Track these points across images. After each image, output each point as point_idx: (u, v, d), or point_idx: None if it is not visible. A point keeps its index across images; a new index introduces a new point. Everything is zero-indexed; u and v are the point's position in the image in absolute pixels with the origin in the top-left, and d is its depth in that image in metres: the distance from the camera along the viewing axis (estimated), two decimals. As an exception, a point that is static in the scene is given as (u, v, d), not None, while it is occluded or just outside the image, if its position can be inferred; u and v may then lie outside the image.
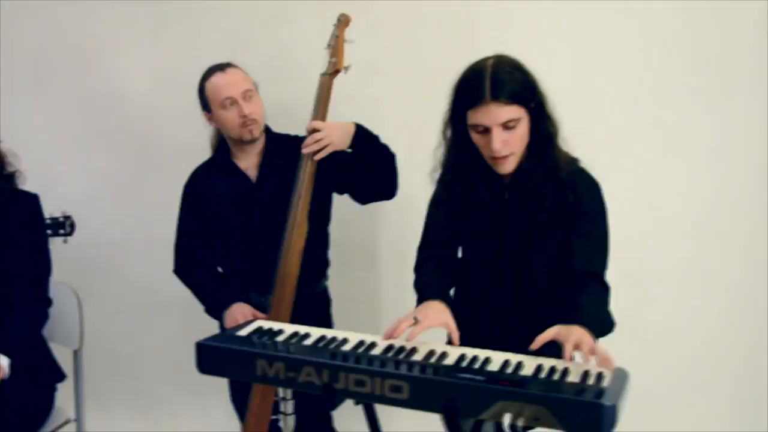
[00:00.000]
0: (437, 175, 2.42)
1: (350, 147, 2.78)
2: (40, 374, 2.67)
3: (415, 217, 2.55)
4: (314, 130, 2.74)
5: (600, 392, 1.77)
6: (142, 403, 3.84)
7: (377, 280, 3.55)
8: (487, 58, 2.21)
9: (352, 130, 2.76)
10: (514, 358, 2.01)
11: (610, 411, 1.71)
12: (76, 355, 2.88)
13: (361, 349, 2.10)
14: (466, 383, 1.84)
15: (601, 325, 2.17)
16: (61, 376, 2.75)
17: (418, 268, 2.43)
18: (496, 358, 2.02)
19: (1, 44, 3.71)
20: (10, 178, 2.55)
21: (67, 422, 2.82)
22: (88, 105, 3.71)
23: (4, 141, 2.56)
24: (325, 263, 3.04)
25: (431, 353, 2.05)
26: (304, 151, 2.75)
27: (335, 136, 2.74)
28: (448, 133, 2.32)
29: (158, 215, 3.33)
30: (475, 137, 2.21)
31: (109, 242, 3.74)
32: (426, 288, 2.32)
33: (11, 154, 2.57)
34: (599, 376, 1.88)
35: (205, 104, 2.89)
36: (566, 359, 1.93)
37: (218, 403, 3.35)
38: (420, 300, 2.29)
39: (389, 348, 2.09)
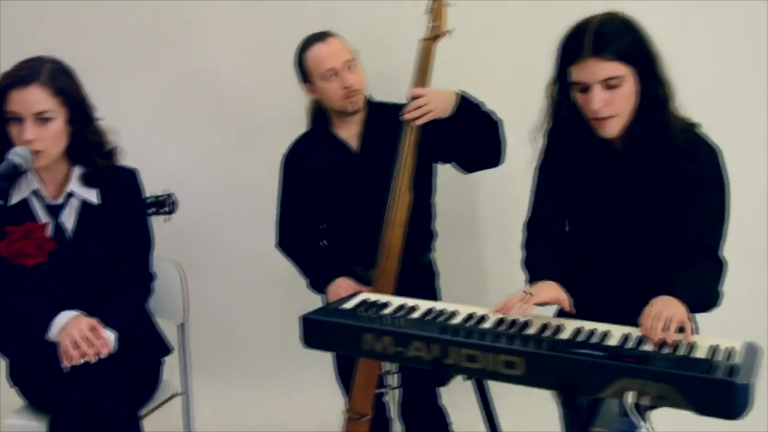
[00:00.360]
0: (540, 139, 2.32)
1: (453, 114, 2.69)
2: (147, 348, 2.67)
3: (520, 186, 2.46)
4: (416, 97, 2.66)
5: (732, 369, 1.66)
6: (247, 375, 3.83)
7: (482, 251, 3.46)
8: (595, 15, 2.10)
9: (453, 98, 2.67)
10: (634, 331, 1.91)
11: (744, 390, 1.59)
12: (182, 328, 2.88)
13: (471, 323, 2.02)
14: (585, 359, 1.75)
15: (700, 298, 2.04)
16: (167, 350, 2.75)
17: (527, 246, 2.34)
18: (615, 332, 1.92)
19: (97, 23, 3.73)
20: (110, 154, 2.55)
21: (174, 396, 2.82)
22: (185, 80, 3.71)
23: (105, 118, 2.55)
24: (429, 235, 2.96)
25: (545, 327, 1.97)
26: (405, 117, 2.68)
27: (437, 102, 2.65)
28: (553, 94, 2.22)
29: (258, 188, 3.31)
30: (577, 96, 2.11)
31: (211, 216, 3.74)
32: (537, 269, 2.23)
33: (111, 130, 2.56)
34: (729, 352, 1.75)
35: (305, 76, 2.83)
36: (647, 334, 1.85)
37: (322, 375, 3.32)
38: (531, 280, 2.20)
39: (500, 321, 2.01)
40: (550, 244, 2.29)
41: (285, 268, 3.03)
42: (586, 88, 2.06)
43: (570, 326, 1.97)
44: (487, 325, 2.00)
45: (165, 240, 2.84)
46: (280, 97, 3.35)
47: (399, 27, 3.10)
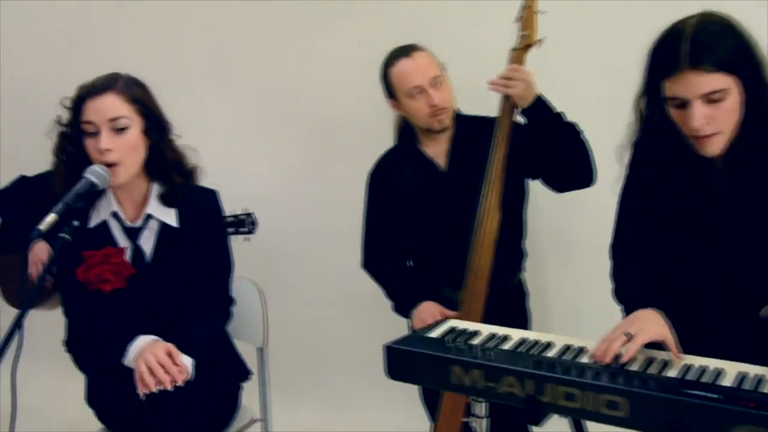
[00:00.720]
0: (628, 156, 2.08)
1: (526, 113, 2.57)
2: (225, 373, 2.59)
3: (614, 204, 2.27)
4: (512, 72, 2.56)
5: None
6: (329, 398, 3.73)
7: (575, 272, 3.27)
8: (689, 18, 1.85)
9: (535, 92, 2.55)
10: (751, 370, 1.72)
11: None
12: (261, 352, 2.79)
13: (568, 356, 1.86)
14: (699, 402, 1.57)
15: None
16: (246, 374, 2.67)
17: (617, 275, 2.13)
18: (730, 370, 1.73)
19: (180, 41, 3.70)
20: (189, 174, 2.47)
21: (253, 421, 2.73)
22: (265, 96, 3.64)
23: (183, 137, 2.48)
24: (520, 254, 2.82)
25: (650, 362, 1.80)
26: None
27: (522, 84, 2.53)
28: (642, 106, 1.98)
29: (343, 205, 3.22)
30: (673, 112, 1.86)
31: (293, 234, 3.65)
32: (632, 296, 2.01)
33: (190, 150, 2.49)
34: None
35: (390, 92, 2.73)
36: None
37: (407, 399, 3.18)
38: (627, 311, 1.99)
39: (599, 355, 1.84)
40: (641, 272, 2.06)
41: (368, 288, 2.92)
42: (683, 104, 1.82)
43: (677, 362, 1.79)
44: (585, 359, 1.85)
45: (244, 259, 2.75)
46: (365, 111, 3.25)
47: (488, 36, 2.96)
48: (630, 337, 1.79)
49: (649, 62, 1.90)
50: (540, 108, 2.54)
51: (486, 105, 2.70)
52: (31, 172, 2.80)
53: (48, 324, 2.83)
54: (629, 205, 2.13)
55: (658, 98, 1.89)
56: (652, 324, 1.85)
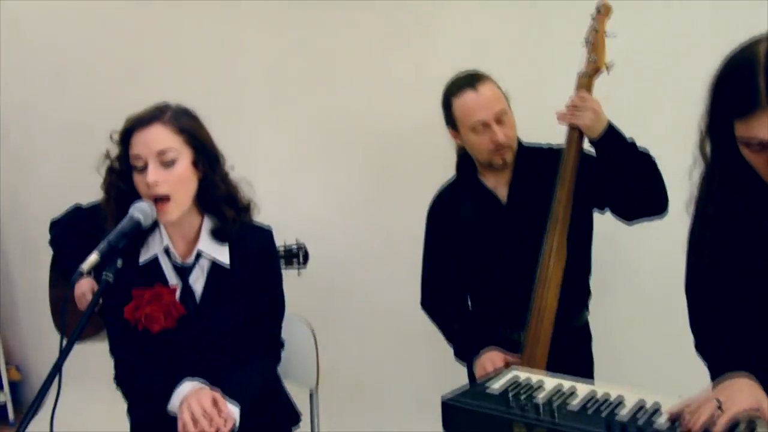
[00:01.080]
0: (694, 203, 1.83)
1: (596, 145, 2.40)
2: (274, 417, 2.46)
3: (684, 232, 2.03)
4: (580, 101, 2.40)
5: None
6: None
7: (643, 311, 3.04)
8: (757, 42, 1.58)
9: (605, 120, 2.37)
10: None
11: None
12: (312, 395, 2.67)
13: (642, 417, 1.71)
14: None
15: None
16: (297, 418, 2.54)
17: (697, 325, 1.90)
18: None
19: (234, 68, 3.63)
20: (244, 209, 2.36)
21: (303, 466, 2.61)
22: (324, 124, 3.55)
23: (238, 167, 2.37)
24: (586, 292, 2.66)
25: (736, 425, 1.62)
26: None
27: (590, 113, 2.37)
28: (707, 148, 1.73)
29: (401, 236, 3.11)
30: (749, 155, 1.62)
31: (349, 267, 3.52)
32: (717, 354, 1.79)
33: (245, 183, 2.38)
34: None
35: (451, 121, 2.59)
36: None
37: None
38: (714, 372, 1.77)
39: (676, 418, 1.68)
40: (727, 324, 1.81)
41: (427, 326, 2.77)
42: (763, 146, 1.58)
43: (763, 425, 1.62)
44: (662, 419, 1.69)
45: (296, 293, 2.61)
46: (424, 137, 3.11)
47: (553, 59, 2.83)
48: (720, 406, 1.61)
49: (715, 98, 1.65)
50: (611, 138, 2.37)
51: (551, 134, 2.55)
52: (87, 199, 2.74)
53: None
54: (698, 255, 1.85)
55: (727, 138, 1.65)
56: (746, 394, 1.65)
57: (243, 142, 2.73)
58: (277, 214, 2.53)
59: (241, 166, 2.40)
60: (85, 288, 2.68)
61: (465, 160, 2.68)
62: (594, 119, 2.36)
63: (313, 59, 3.50)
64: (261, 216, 2.44)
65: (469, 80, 2.54)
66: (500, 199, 2.60)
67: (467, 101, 2.51)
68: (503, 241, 2.57)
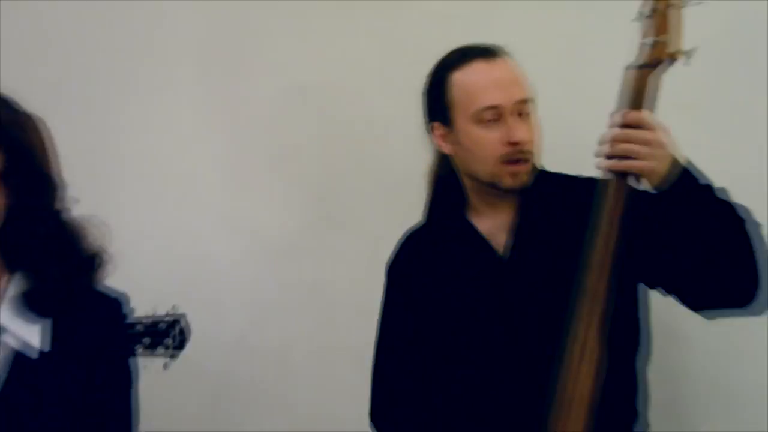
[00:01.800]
0: None
1: (660, 193, 1.54)
2: None
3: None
4: (630, 125, 1.52)
5: None
6: None
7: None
8: None
9: (678, 159, 1.52)
10: None
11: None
12: None
13: None
14: None
15: None
16: None
17: None
18: None
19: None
20: (86, 268, 1.61)
21: None
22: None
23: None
24: (632, 414, 1.79)
25: None
26: (601, 163, 1.55)
27: (657, 149, 1.50)
28: None
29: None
30: None
31: (250, 347, 2.52)
32: None
33: (97, 224, 1.64)
34: None
35: (439, 112, 1.80)
36: None
37: None
38: None
39: None
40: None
41: None
42: None
43: None
44: None
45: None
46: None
47: (592, 45, 2.09)
48: None
49: None
50: (685, 187, 1.52)
51: (582, 162, 1.69)
52: None
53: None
54: None
55: None
56: None
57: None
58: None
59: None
60: None
61: (445, 189, 1.84)
62: (660, 162, 1.51)
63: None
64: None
65: (482, 50, 1.79)
66: (496, 251, 1.77)
67: (476, 74, 1.76)
68: (500, 316, 1.74)
